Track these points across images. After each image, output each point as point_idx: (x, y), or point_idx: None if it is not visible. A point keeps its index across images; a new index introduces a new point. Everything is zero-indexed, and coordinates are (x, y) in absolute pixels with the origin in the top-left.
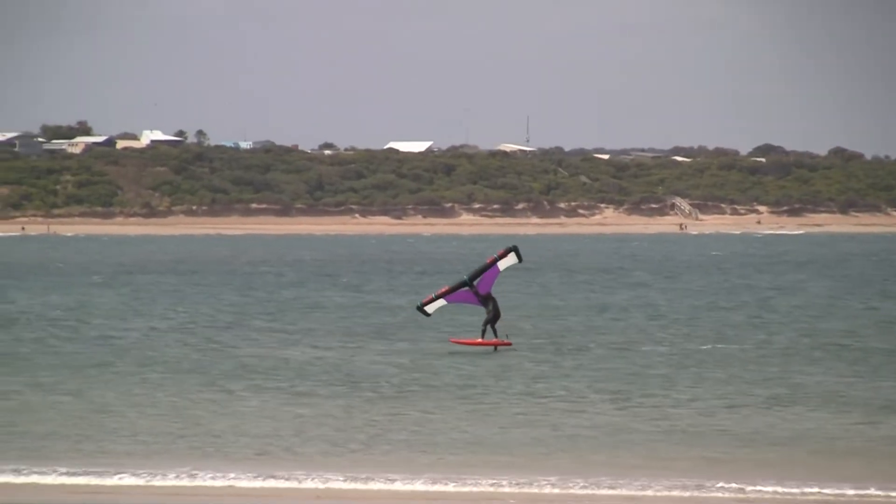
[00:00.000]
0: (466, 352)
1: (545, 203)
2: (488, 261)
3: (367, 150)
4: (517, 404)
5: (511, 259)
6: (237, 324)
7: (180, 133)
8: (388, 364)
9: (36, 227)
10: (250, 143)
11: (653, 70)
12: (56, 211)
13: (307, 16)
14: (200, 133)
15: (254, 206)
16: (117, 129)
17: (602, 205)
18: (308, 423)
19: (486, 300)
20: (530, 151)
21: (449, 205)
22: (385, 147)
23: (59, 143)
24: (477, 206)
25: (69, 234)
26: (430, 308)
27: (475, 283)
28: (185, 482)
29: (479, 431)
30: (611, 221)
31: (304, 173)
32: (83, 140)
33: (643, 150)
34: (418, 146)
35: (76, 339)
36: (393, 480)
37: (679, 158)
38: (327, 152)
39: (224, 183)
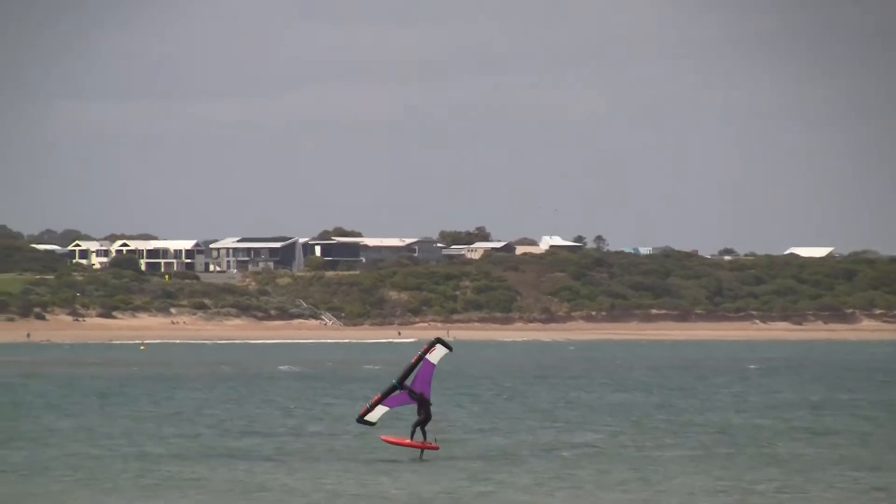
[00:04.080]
0: None
1: None
2: (412, 360)
3: (768, 256)
4: None
5: (441, 350)
6: None
7: (579, 238)
8: None
9: (435, 333)
10: (649, 248)
11: None
12: (455, 316)
13: (704, 117)
14: (599, 238)
15: (653, 311)
16: (516, 234)
17: None
18: None
19: (420, 401)
20: None
21: (850, 311)
22: (786, 252)
23: (458, 249)
24: (878, 311)
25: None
26: (372, 417)
27: (408, 383)
28: None
29: None
30: None
31: (704, 279)
32: (482, 245)
33: None
34: (819, 251)
35: None
36: None
37: None
38: (727, 258)
39: (623, 288)
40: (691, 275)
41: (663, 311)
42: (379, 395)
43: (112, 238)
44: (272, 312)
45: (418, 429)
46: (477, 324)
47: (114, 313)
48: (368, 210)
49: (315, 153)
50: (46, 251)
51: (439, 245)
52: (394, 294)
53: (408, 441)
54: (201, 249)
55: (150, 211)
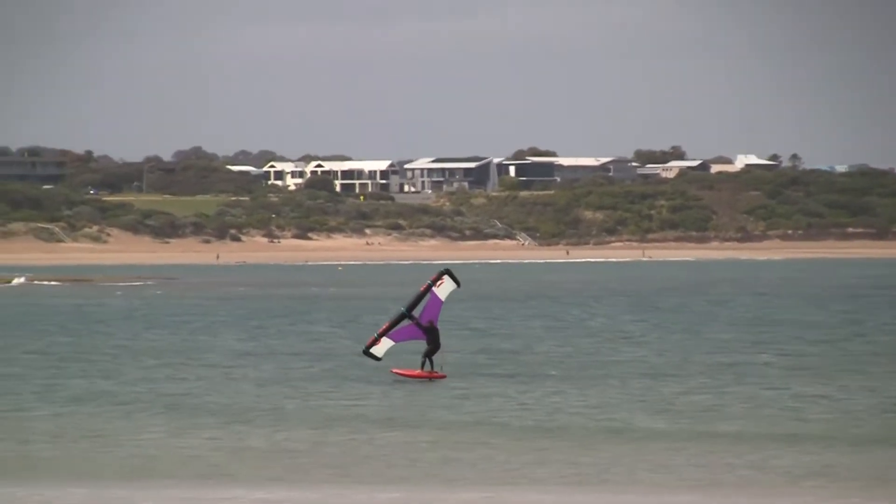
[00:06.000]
0: None
1: None
2: (422, 289)
3: None
4: None
5: (449, 285)
6: None
7: (774, 157)
8: None
9: (630, 252)
10: (845, 166)
11: None
12: (651, 235)
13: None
14: (795, 157)
15: (849, 230)
16: (711, 152)
17: None
18: None
19: (429, 331)
20: None
21: None
22: None
23: (653, 168)
24: None
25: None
26: (378, 351)
27: (416, 314)
28: None
29: None
30: None
31: None
32: (677, 164)
33: None
34: None
35: None
36: None
37: None
38: None
39: (819, 207)
40: (888, 193)
41: (860, 230)
42: (388, 324)
43: (307, 159)
44: (467, 233)
45: (427, 358)
46: (672, 243)
47: (309, 234)
48: (563, 129)
49: (510, 73)
50: (241, 172)
51: (634, 164)
52: (589, 213)
53: (417, 372)
54: (395, 170)
55: (345, 132)
